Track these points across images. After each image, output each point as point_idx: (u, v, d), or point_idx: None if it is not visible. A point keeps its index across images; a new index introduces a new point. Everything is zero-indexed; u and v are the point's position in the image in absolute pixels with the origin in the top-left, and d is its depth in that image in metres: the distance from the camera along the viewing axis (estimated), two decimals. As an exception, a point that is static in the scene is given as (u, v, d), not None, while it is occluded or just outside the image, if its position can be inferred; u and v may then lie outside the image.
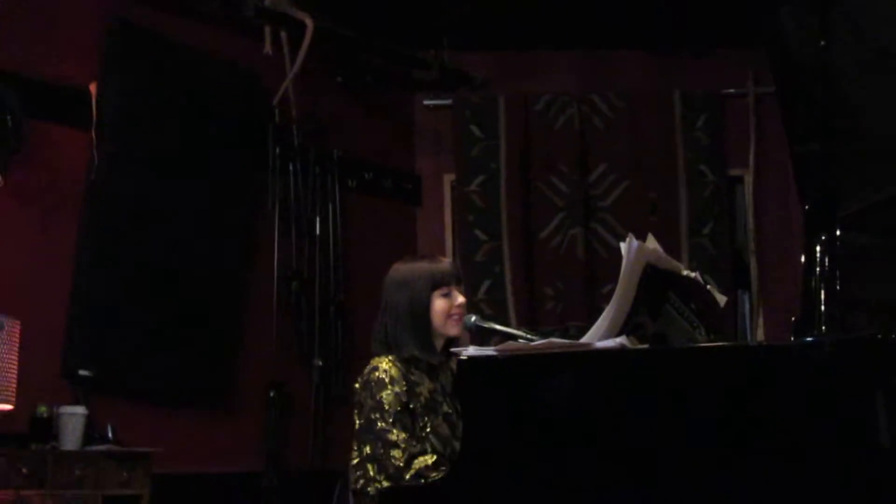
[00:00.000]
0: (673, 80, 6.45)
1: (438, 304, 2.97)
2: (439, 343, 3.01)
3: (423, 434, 2.86)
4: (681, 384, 2.33)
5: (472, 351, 2.53)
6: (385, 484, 2.77)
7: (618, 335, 2.44)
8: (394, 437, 2.79)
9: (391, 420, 2.81)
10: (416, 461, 2.76)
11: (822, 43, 2.65)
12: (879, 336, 2.27)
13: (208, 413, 5.20)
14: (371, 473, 2.83)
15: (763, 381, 2.28)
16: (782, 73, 2.81)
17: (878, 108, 2.75)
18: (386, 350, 2.96)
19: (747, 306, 6.32)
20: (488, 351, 2.50)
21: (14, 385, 3.97)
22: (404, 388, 2.86)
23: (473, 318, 3.02)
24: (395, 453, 2.77)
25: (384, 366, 2.88)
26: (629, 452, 2.31)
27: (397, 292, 2.99)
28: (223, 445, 5.21)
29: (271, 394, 5.40)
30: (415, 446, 2.80)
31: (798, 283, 2.73)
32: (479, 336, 3.24)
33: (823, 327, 2.47)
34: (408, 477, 2.74)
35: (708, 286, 2.97)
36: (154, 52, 5.11)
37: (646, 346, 2.51)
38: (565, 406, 2.37)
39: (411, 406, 2.86)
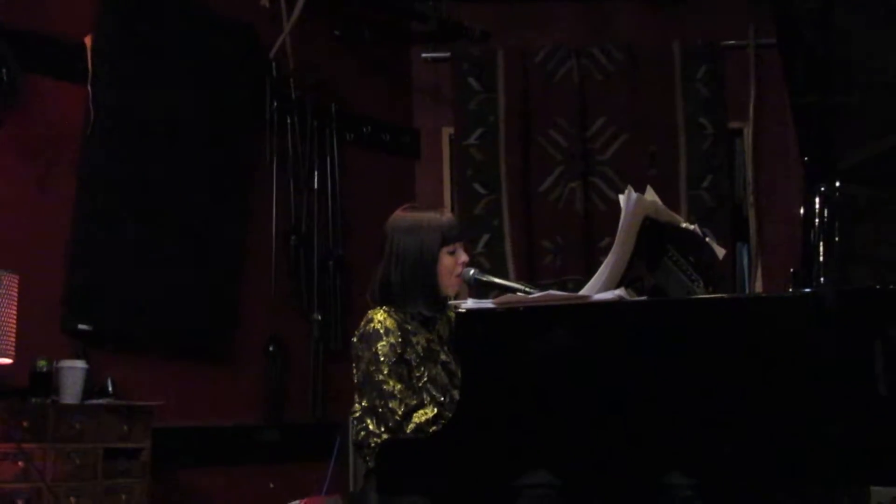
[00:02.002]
0: (673, 32, 6.40)
1: (444, 261, 2.95)
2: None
3: (420, 384, 2.86)
4: (679, 336, 2.33)
5: (470, 303, 2.53)
6: (385, 436, 2.77)
7: (616, 287, 2.44)
8: (390, 388, 2.80)
9: (387, 371, 2.81)
10: (415, 414, 2.77)
11: (825, -7, 2.63)
12: (877, 287, 2.27)
13: (208, 367, 5.22)
14: (371, 427, 2.84)
15: (761, 333, 2.28)
16: (784, 23, 2.79)
17: (880, 60, 2.73)
18: (383, 301, 2.95)
19: (746, 259, 6.33)
20: (487, 303, 2.50)
21: (13, 339, 3.97)
22: (399, 339, 2.86)
23: (472, 272, 3.01)
24: (393, 404, 2.78)
25: (379, 317, 2.88)
26: (627, 404, 2.32)
27: (405, 239, 2.94)
28: (223, 399, 5.23)
29: (270, 347, 5.42)
30: (412, 398, 2.81)
31: (796, 236, 2.73)
32: (478, 289, 3.23)
33: (822, 279, 2.47)
34: (408, 430, 2.75)
35: (707, 238, 2.97)
36: (150, 4, 5.06)
37: (644, 298, 2.51)
38: (563, 358, 2.38)
39: (407, 357, 2.87)
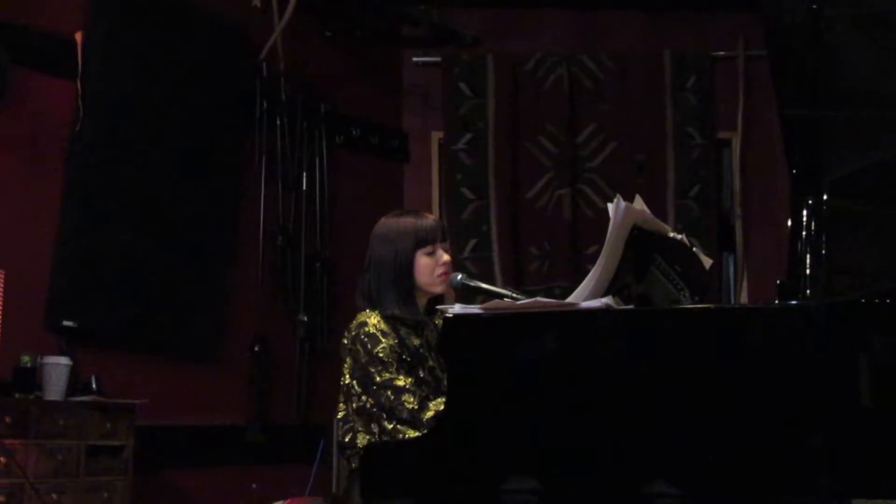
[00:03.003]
0: (663, 41, 6.43)
1: (422, 262, 2.97)
2: (423, 301, 3.03)
3: (418, 383, 2.89)
4: (665, 345, 2.34)
5: (457, 309, 2.53)
6: (399, 428, 2.78)
7: (604, 296, 2.45)
8: (402, 383, 2.81)
9: (393, 369, 2.83)
10: (431, 403, 2.79)
11: (815, 6, 2.64)
12: (863, 300, 2.29)
13: (193, 366, 5.21)
14: (358, 426, 2.87)
15: (747, 344, 2.29)
16: (774, 36, 2.80)
17: (869, 73, 2.75)
18: (370, 306, 2.97)
19: (732, 269, 6.36)
20: (474, 309, 2.51)
21: (-2, 334, 3.97)
22: (396, 341, 2.88)
23: (459, 277, 3.02)
24: (407, 398, 2.79)
25: (373, 321, 2.90)
26: (613, 413, 2.33)
27: (382, 247, 2.99)
28: (207, 398, 5.23)
29: (256, 347, 5.41)
30: (423, 390, 2.83)
31: (783, 247, 2.74)
32: (465, 294, 3.24)
33: (808, 291, 2.49)
34: (425, 418, 2.75)
35: (694, 248, 2.98)
36: (141, 2, 5.06)
37: (631, 306, 2.52)
38: (550, 365, 2.39)
39: (405, 357, 2.89)
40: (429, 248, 2.98)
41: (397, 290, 2.95)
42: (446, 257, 3.02)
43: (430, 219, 3.05)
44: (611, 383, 2.34)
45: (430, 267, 2.98)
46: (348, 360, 2.93)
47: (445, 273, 3.00)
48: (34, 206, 4.67)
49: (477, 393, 2.44)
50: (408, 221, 3.02)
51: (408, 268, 2.96)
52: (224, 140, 5.42)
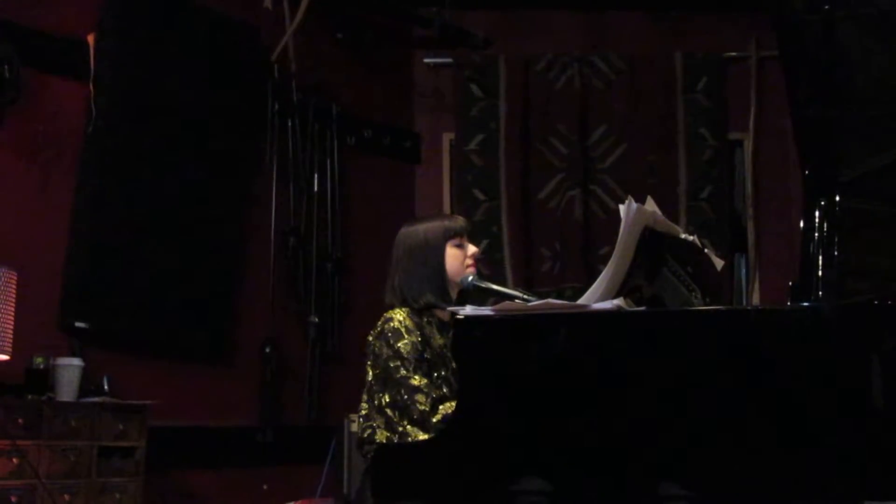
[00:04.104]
0: (675, 42, 6.42)
1: (452, 253, 3.06)
2: (454, 293, 3.08)
3: (439, 383, 2.90)
4: (676, 347, 2.33)
5: (469, 310, 2.54)
6: (409, 429, 2.82)
7: (615, 297, 2.45)
8: (416, 383, 2.85)
9: (411, 367, 2.87)
10: (441, 406, 2.81)
11: (827, 7, 2.63)
12: (875, 302, 2.28)
13: (204, 367, 5.21)
14: (378, 423, 2.90)
15: (759, 346, 2.29)
16: (786, 35, 2.80)
17: (882, 73, 2.74)
18: (401, 302, 3.00)
19: (744, 270, 6.34)
20: (485, 310, 2.51)
21: (10, 336, 3.97)
22: (419, 339, 2.92)
23: (471, 278, 3.06)
24: (419, 398, 2.83)
25: (399, 317, 2.95)
26: (624, 414, 2.33)
27: (411, 245, 3.07)
28: (218, 399, 5.23)
29: (267, 349, 5.41)
30: (437, 391, 2.85)
31: (794, 248, 2.74)
32: (476, 296, 3.25)
33: (820, 292, 2.48)
34: (434, 420, 2.79)
35: (706, 250, 2.97)
36: (153, 4, 5.07)
37: (642, 308, 2.52)
38: (561, 366, 2.38)
39: (426, 356, 2.91)
40: (457, 240, 3.07)
41: (431, 281, 3.02)
42: (474, 249, 3.11)
43: (456, 216, 3.18)
44: (622, 385, 2.34)
45: (460, 258, 3.06)
46: (372, 356, 2.96)
47: (473, 265, 3.08)
48: (47, 207, 4.68)
49: (488, 394, 2.43)
50: (434, 220, 3.13)
51: (440, 258, 3.03)
52: (235, 141, 5.43)
